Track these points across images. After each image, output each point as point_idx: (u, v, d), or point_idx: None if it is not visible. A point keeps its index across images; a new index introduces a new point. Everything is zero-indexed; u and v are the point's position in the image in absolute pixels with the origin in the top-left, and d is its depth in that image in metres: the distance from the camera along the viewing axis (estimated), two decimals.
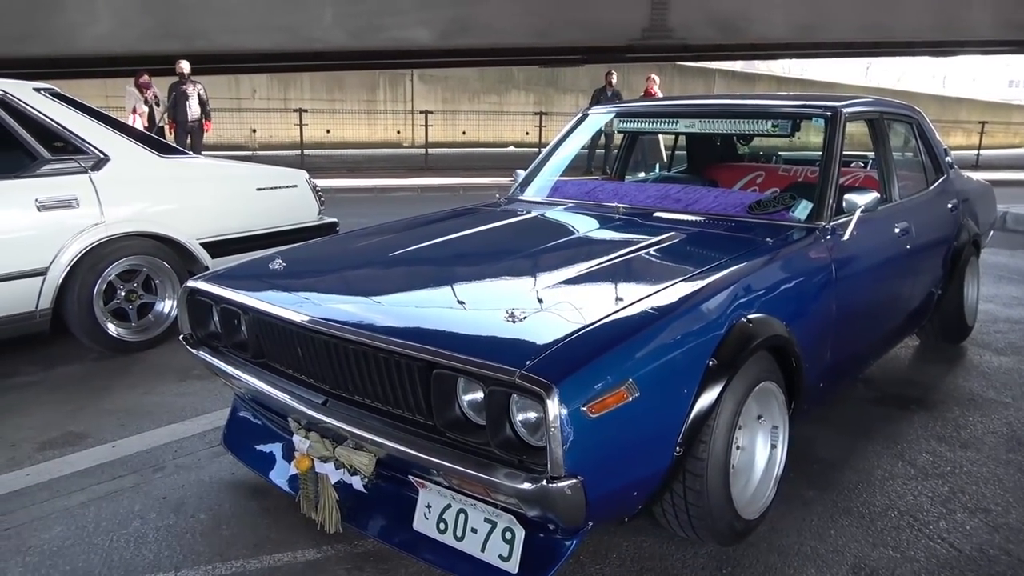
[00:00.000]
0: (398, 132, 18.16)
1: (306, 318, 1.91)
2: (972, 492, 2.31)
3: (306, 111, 14.31)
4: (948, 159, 3.80)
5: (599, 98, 11.60)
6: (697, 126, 3.36)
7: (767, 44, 16.64)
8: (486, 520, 1.72)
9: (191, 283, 2.29)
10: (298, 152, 13.68)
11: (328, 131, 16.82)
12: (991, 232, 4.34)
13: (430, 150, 15.02)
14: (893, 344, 3.26)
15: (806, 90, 21.56)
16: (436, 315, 1.89)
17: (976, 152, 17.83)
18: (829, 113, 2.85)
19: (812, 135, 3.50)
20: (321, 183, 4.47)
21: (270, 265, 2.36)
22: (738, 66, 22.48)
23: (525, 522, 1.66)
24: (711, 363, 1.81)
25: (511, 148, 17.64)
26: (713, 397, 1.79)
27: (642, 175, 4.38)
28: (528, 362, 1.52)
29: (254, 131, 16.34)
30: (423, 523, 1.82)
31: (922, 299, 3.31)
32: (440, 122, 17.41)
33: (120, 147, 3.56)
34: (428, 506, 1.82)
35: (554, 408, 1.46)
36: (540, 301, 1.87)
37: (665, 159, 4.91)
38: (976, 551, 2.00)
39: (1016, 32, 15.83)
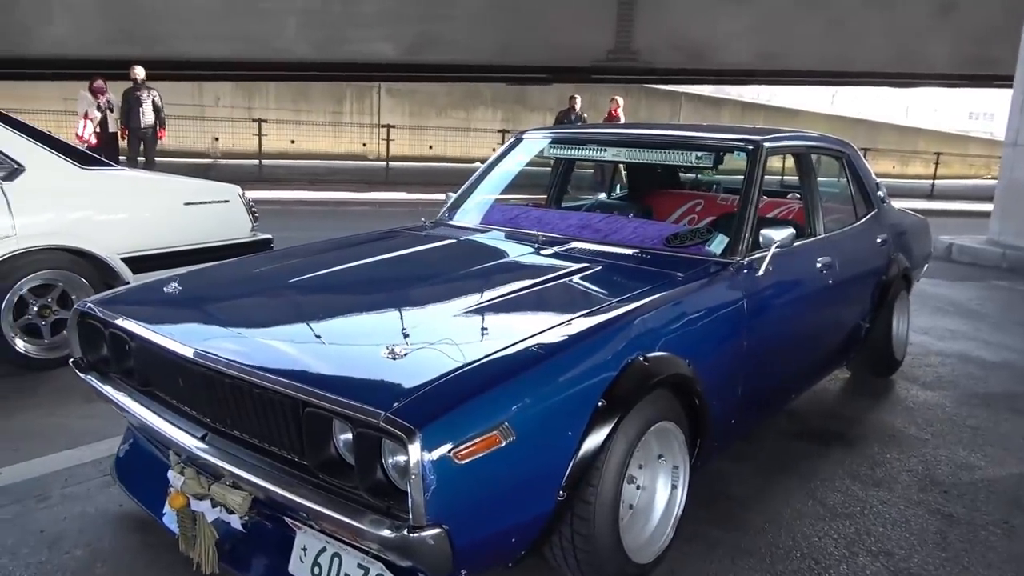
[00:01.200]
0: (364, 145, 18.05)
1: (187, 349, 1.83)
2: (878, 534, 2.29)
3: (267, 121, 14.18)
4: (880, 193, 3.83)
5: (563, 120, 11.64)
6: (625, 155, 3.35)
7: (732, 70, 16.92)
8: (359, 566, 1.64)
9: (81, 305, 2.20)
10: (255, 162, 13.53)
11: (292, 142, 16.66)
12: (926, 266, 4.38)
13: (396, 164, 14.94)
14: (817, 378, 3.25)
15: (770, 116, 21.89)
16: (317, 350, 1.82)
17: (931, 182, 18.22)
18: (750, 147, 2.84)
19: (772, 162, 3.49)
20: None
21: (165, 289, 2.28)
22: (708, 90, 22.74)
23: (396, 570, 1.59)
24: (601, 404, 1.75)
25: (477, 164, 17.61)
26: (601, 439, 1.74)
27: (599, 198, 4.36)
28: (395, 404, 1.46)
29: (216, 139, 16.13)
30: (298, 566, 1.74)
31: (848, 333, 3.31)
32: (407, 136, 17.36)
33: (36, 157, 3.44)
34: (304, 549, 1.74)
35: (416, 454, 1.40)
36: (426, 337, 1.81)
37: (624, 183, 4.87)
38: None
39: (971, 67, 16.27)
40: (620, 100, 12.31)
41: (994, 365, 4.10)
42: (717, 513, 2.36)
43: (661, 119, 20.50)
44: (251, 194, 4.42)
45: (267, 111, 16.77)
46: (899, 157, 21.81)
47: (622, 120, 12.02)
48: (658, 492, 2.09)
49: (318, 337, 1.90)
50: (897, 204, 4.35)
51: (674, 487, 2.11)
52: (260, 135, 13.61)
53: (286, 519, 1.76)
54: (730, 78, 19.13)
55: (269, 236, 4.30)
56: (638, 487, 2.03)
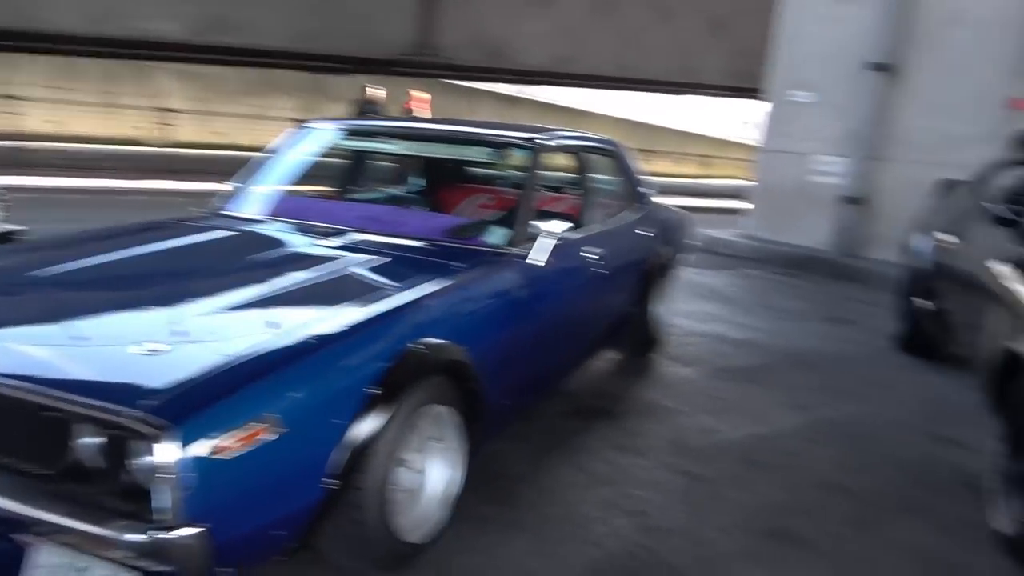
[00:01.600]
0: (142, 129, 16.62)
1: None
2: (634, 496, 2.55)
3: (26, 99, 12.61)
4: (646, 189, 4.20)
5: (360, 112, 11.46)
6: (412, 149, 3.43)
7: (529, 71, 17.62)
8: None
9: None
10: (12, 144, 12.01)
11: (57, 123, 14.96)
12: (689, 255, 4.86)
13: (182, 151, 13.93)
14: (588, 360, 3.52)
15: (563, 117, 23.03)
16: (61, 351, 1.70)
17: (701, 181, 20.20)
18: (527, 144, 3.02)
19: (560, 159, 3.71)
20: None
21: None
22: (509, 89, 23.44)
23: None
24: (373, 391, 1.80)
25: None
26: (373, 426, 1.78)
27: (391, 191, 4.37)
28: (148, 403, 1.42)
29: None
30: None
31: (615, 318, 3.62)
32: (194, 122, 16.23)
33: None
34: (42, 567, 1.61)
35: (171, 452, 1.37)
36: (190, 332, 1.76)
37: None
38: (624, 552, 2.20)
39: (739, 80, 18.13)
40: (420, 94, 12.33)
41: (740, 343, 4.67)
42: (492, 491, 2.49)
43: (461, 116, 20.84)
44: (3, 180, 3.94)
45: (32, 87, 14.91)
46: (675, 158, 23.95)
47: (426, 115, 12.07)
48: (434, 474, 2.17)
49: (64, 336, 1.77)
50: (670, 201, 4.79)
51: (450, 469, 2.20)
52: (10, 114, 12.07)
53: (23, 536, 1.62)
54: (528, 78, 19.87)
55: (22, 227, 3.86)
56: (414, 471, 2.09)
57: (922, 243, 4.64)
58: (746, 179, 9.62)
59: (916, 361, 4.54)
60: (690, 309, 5.36)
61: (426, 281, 2.24)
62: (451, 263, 2.46)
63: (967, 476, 2.88)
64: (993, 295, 2.99)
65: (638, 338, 3.98)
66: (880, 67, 7.72)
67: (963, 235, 3.98)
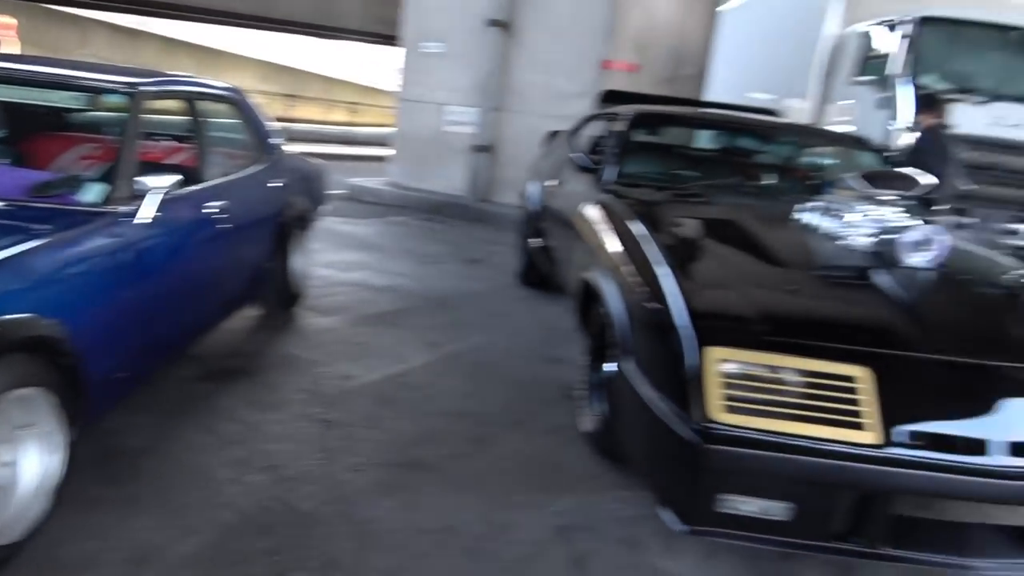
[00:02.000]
0: None
1: None
2: (267, 452, 2.56)
3: None
4: (275, 140, 4.09)
5: None
6: None
7: (154, 1, 15.77)
8: None
9: None
10: None
11: None
12: (325, 206, 4.86)
13: None
14: (221, 320, 3.38)
15: (193, 55, 20.92)
16: None
17: (350, 129, 20.20)
18: (127, 90, 2.75)
19: (172, 107, 3.36)
20: None
21: None
22: (130, 21, 20.61)
23: None
24: None
25: None
26: None
27: None
28: None
29: None
30: None
31: (250, 274, 3.52)
32: None
33: None
34: None
35: None
36: None
37: None
38: (256, 508, 2.22)
39: (380, 27, 18.29)
40: (6, 19, 10.32)
41: (383, 289, 4.87)
42: (109, 469, 2.31)
43: (69, 50, 17.94)
44: None
45: None
46: (324, 105, 23.52)
47: (13, 45, 10.14)
48: (29, 465, 1.94)
49: None
50: (317, 148, 4.70)
51: (48, 455, 1.99)
52: None
53: None
54: (146, 9, 17.75)
55: None
56: (1, 465, 1.85)
57: (534, 188, 5.26)
58: (392, 127, 9.86)
59: (534, 293, 5.18)
60: (335, 259, 5.41)
61: None
62: (32, 226, 2.16)
63: (566, 388, 3.40)
64: (577, 233, 3.52)
65: (278, 293, 3.92)
66: (497, 23, 8.41)
67: (561, 180, 4.60)
